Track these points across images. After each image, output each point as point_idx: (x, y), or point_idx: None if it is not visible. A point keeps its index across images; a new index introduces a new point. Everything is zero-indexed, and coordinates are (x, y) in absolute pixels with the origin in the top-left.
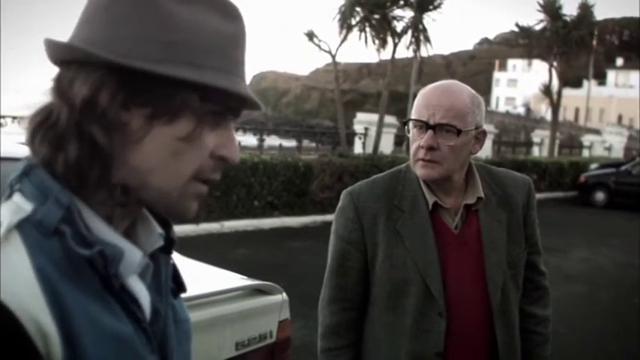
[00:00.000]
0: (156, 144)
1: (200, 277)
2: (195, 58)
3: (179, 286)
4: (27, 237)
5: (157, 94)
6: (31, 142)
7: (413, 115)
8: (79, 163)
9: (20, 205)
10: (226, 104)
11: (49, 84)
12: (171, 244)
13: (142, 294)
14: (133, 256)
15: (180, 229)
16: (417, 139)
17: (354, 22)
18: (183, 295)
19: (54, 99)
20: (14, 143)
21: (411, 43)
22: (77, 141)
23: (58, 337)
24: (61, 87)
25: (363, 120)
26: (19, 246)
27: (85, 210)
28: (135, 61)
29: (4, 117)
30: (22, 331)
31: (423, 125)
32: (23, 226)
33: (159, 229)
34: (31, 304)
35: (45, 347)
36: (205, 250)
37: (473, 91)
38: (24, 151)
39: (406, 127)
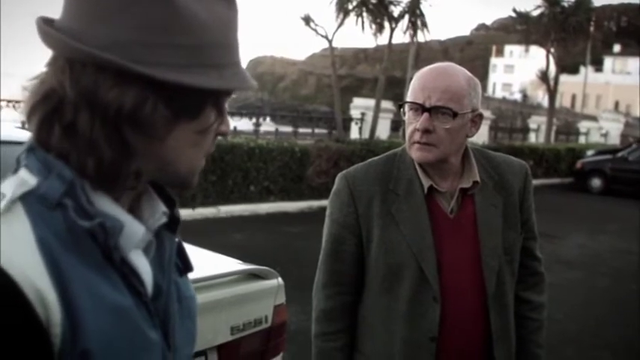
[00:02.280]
0: (179, 139)
1: (196, 262)
2: (217, 58)
3: (185, 265)
4: (30, 209)
5: (185, 98)
6: (42, 134)
7: (408, 97)
8: (113, 166)
9: (25, 179)
10: (234, 92)
11: (52, 72)
12: (175, 222)
13: (145, 269)
14: (135, 229)
15: None
16: (412, 122)
17: (350, 6)
18: None
19: (69, 94)
20: (12, 127)
21: (408, 28)
22: (108, 146)
23: (58, 304)
24: (82, 87)
25: (360, 105)
26: (22, 217)
27: (87, 185)
28: (171, 74)
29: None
30: (23, 296)
31: (419, 108)
32: (27, 199)
33: (163, 208)
34: (32, 272)
35: (45, 313)
36: (201, 234)
37: (469, 74)
38: (21, 135)
39: (402, 109)
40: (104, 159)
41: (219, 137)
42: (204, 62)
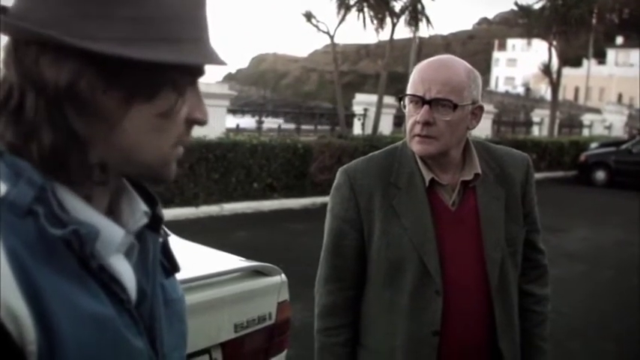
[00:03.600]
0: (135, 123)
1: (199, 259)
2: (170, 32)
3: (172, 265)
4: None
5: (134, 75)
6: (5, 134)
7: (409, 90)
8: (55, 150)
9: None
10: (200, 71)
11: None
12: (158, 221)
13: (127, 274)
14: (113, 234)
15: (179, 212)
16: (413, 115)
17: (352, 2)
18: (182, 277)
19: (14, 77)
20: None
21: (409, 23)
22: (51, 128)
23: (30, 318)
24: (24, 67)
25: (362, 101)
26: None
27: (60, 189)
28: (113, 47)
29: None
30: None
31: (419, 100)
32: None
33: (144, 207)
34: (2, 288)
35: (17, 331)
36: (205, 232)
37: (469, 66)
38: None
39: (402, 102)
40: (45, 143)
41: (198, 126)
42: (154, 36)
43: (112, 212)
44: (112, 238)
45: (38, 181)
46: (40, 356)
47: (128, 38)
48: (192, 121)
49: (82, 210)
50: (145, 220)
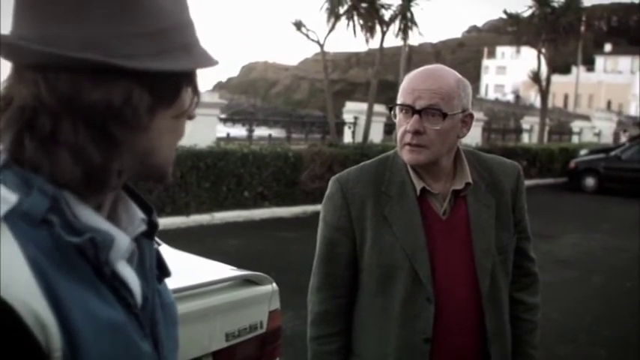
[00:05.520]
0: (157, 127)
1: (190, 269)
2: (183, 39)
3: (163, 270)
4: (15, 228)
5: (161, 84)
6: (16, 150)
7: (399, 99)
8: (104, 167)
9: (5, 197)
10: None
11: (19, 85)
12: (153, 228)
13: (132, 280)
14: (122, 241)
15: (170, 221)
16: (403, 124)
17: (342, 10)
18: (173, 287)
19: (48, 104)
20: None
21: (399, 31)
22: (96, 149)
23: (57, 328)
24: (60, 93)
25: (353, 109)
26: (8, 238)
27: (71, 198)
28: (149, 62)
29: None
30: (22, 324)
31: (409, 110)
32: (10, 218)
33: (141, 214)
34: (28, 296)
35: (44, 338)
36: (196, 241)
37: (458, 75)
38: None
39: (392, 112)
40: (93, 163)
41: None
42: (172, 45)
43: (112, 219)
44: (122, 245)
45: (50, 191)
46: None
47: (154, 52)
48: (189, 117)
49: (93, 219)
50: (143, 227)
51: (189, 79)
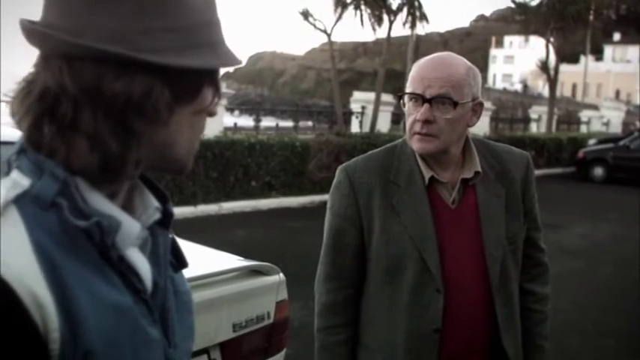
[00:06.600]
0: (177, 121)
1: (197, 259)
2: (209, 37)
3: (180, 261)
4: (24, 211)
5: (184, 80)
6: (34, 135)
7: (408, 88)
8: (122, 156)
9: (18, 181)
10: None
11: (45, 71)
12: (168, 218)
13: (143, 266)
14: (131, 227)
15: (178, 212)
16: (412, 113)
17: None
18: None
19: (71, 91)
20: (12, 127)
21: (406, 20)
22: (115, 138)
23: (54, 308)
24: (84, 82)
25: (360, 99)
26: (16, 220)
27: (82, 183)
28: (173, 58)
29: None
30: (19, 303)
31: (419, 98)
32: (21, 201)
33: (156, 203)
34: (28, 277)
35: (42, 318)
36: (203, 231)
37: (468, 63)
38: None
39: (402, 101)
40: (111, 152)
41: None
42: (198, 42)
43: (126, 207)
44: (130, 232)
45: (61, 175)
46: (63, 343)
47: (179, 47)
48: (209, 114)
49: (102, 204)
50: (157, 216)
51: (211, 76)
